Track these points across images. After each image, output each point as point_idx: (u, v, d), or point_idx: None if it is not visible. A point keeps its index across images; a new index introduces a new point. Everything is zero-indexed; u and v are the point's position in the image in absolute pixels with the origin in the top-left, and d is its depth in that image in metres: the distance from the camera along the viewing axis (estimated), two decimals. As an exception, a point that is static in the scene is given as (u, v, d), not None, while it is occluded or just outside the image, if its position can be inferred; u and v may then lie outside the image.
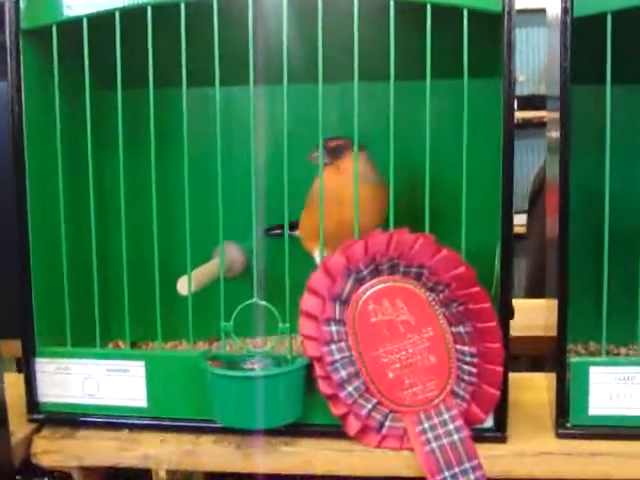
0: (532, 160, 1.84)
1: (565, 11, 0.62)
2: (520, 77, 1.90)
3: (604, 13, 0.62)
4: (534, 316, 0.82)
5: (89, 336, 0.71)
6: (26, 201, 0.69)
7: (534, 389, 0.75)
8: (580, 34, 0.62)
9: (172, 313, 0.72)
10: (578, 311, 0.66)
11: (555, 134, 0.67)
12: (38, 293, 0.70)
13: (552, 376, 0.67)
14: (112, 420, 0.69)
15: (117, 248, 0.71)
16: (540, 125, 1.55)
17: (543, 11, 0.80)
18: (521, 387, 0.73)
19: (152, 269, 0.68)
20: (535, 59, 1.85)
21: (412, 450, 0.62)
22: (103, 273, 0.72)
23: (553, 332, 0.66)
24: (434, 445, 0.62)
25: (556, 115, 0.66)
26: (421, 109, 0.64)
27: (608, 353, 0.65)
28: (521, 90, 2.31)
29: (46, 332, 0.71)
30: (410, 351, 0.63)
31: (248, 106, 0.66)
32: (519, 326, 0.68)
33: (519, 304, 0.70)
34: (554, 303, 0.66)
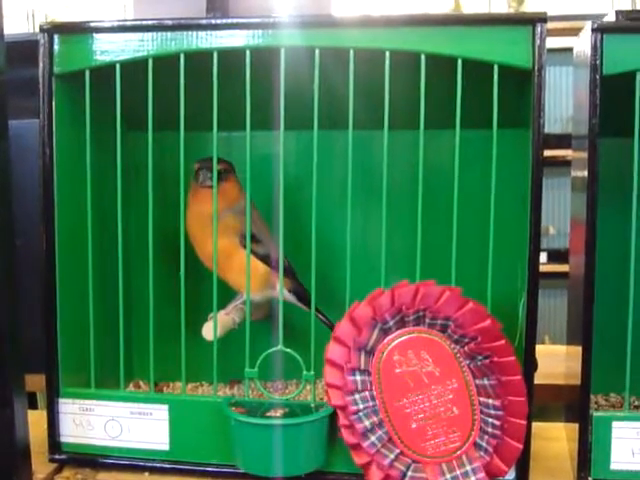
0: (546, 197, 1.83)
1: (594, 69, 0.62)
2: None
3: (634, 71, 0.62)
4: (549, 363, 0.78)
5: (111, 374, 0.72)
6: (54, 239, 0.69)
7: (554, 440, 0.75)
8: (606, 88, 0.63)
9: (193, 354, 0.71)
10: (599, 359, 0.65)
11: (580, 174, 0.68)
12: (64, 334, 0.69)
13: (572, 427, 0.67)
14: (134, 463, 0.69)
15: (142, 287, 0.71)
16: (555, 164, 1.55)
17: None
18: (540, 437, 0.72)
19: (176, 309, 0.69)
20: (549, 99, 1.83)
21: (434, 502, 0.62)
22: (127, 312, 0.72)
23: (574, 381, 0.65)
24: (456, 497, 0.62)
25: (581, 155, 0.66)
26: (449, 158, 0.65)
27: (630, 405, 0.65)
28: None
29: (70, 372, 0.71)
30: (434, 402, 0.63)
31: (267, 149, 0.66)
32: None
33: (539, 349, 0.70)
34: (577, 351, 0.65)
